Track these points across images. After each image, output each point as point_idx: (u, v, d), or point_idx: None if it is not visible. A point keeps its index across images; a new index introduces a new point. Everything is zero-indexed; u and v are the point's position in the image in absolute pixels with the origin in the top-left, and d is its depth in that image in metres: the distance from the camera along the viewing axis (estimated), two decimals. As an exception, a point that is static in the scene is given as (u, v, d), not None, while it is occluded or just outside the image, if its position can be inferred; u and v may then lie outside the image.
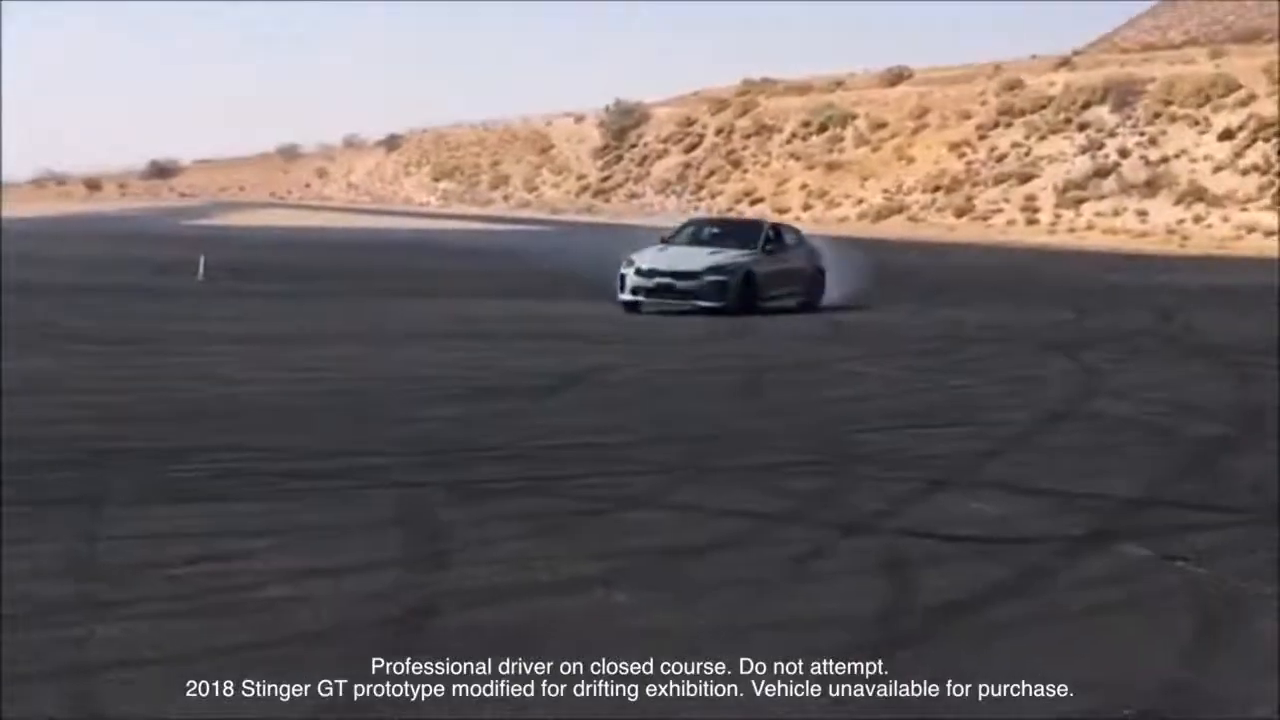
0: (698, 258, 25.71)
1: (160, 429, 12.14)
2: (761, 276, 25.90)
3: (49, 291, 27.60)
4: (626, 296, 25.46)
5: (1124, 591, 7.60)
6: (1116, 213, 69.52)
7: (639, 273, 25.47)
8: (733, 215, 73.88)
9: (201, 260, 31.54)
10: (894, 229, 74.32)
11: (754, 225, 29.78)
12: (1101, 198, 71.22)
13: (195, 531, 8.52)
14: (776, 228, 28.59)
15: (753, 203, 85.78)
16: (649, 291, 25.30)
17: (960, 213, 76.18)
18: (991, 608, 7.26)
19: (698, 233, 27.74)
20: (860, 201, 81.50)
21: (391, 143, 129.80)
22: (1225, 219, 65.96)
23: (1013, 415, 13.72)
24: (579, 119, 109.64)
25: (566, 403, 14.51)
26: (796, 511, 9.42)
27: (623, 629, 6.79)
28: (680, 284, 25.12)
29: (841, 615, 7.01)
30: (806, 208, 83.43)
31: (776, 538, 8.63)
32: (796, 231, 29.76)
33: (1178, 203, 68.17)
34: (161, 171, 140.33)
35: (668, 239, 27.10)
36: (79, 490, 9.62)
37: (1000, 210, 74.57)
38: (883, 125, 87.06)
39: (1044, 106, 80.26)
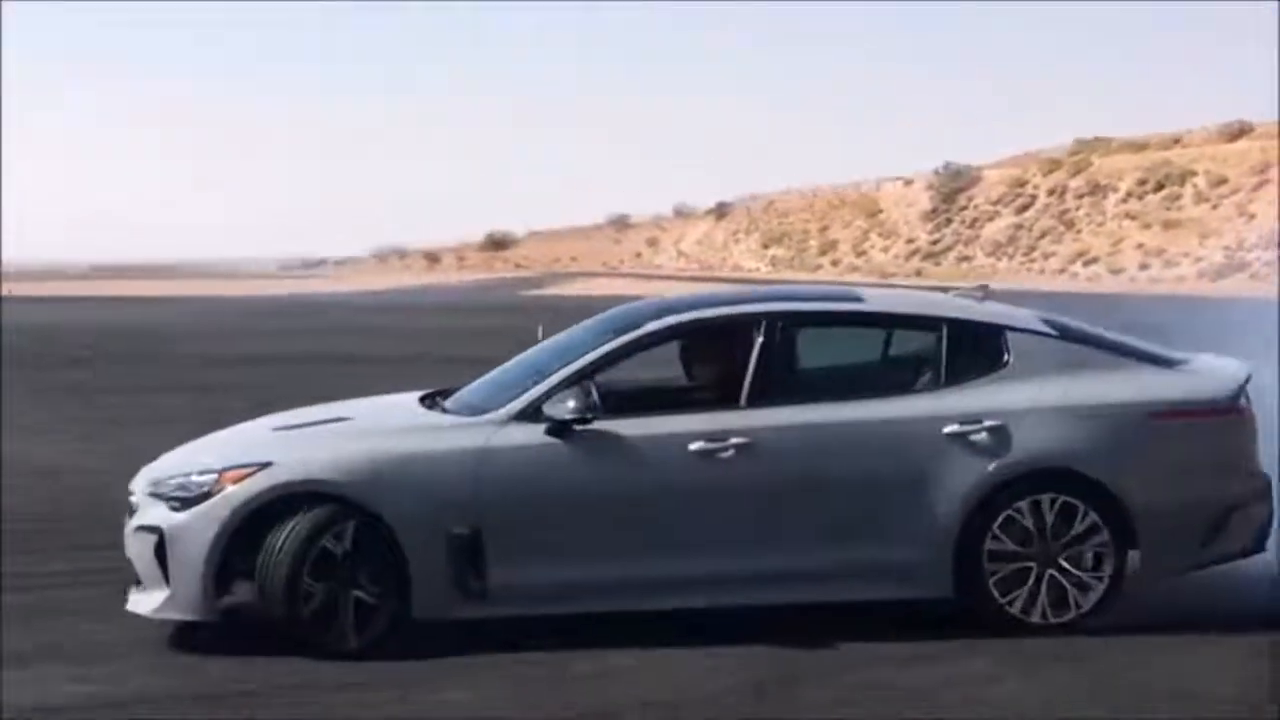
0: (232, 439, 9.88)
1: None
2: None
3: (387, 362, 28.70)
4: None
5: None
6: None
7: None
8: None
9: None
10: (1234, 288, 72.16)
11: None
12: None
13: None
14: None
15: (1086, 263, 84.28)
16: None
17: (1305, 270, 73.60)
18: None
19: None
20: (1199, 260, 79.41)
21: (720, 211, 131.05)
22: None
23: None
24: (908, 182, 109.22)
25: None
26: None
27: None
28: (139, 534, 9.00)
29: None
30: (1143, 267, 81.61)
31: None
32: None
33: None
34: (497, 244, 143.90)
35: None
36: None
37: (1349, 266, 71.86)
38: (1223, 181, 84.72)
39: (1395, 158, 77.18)
